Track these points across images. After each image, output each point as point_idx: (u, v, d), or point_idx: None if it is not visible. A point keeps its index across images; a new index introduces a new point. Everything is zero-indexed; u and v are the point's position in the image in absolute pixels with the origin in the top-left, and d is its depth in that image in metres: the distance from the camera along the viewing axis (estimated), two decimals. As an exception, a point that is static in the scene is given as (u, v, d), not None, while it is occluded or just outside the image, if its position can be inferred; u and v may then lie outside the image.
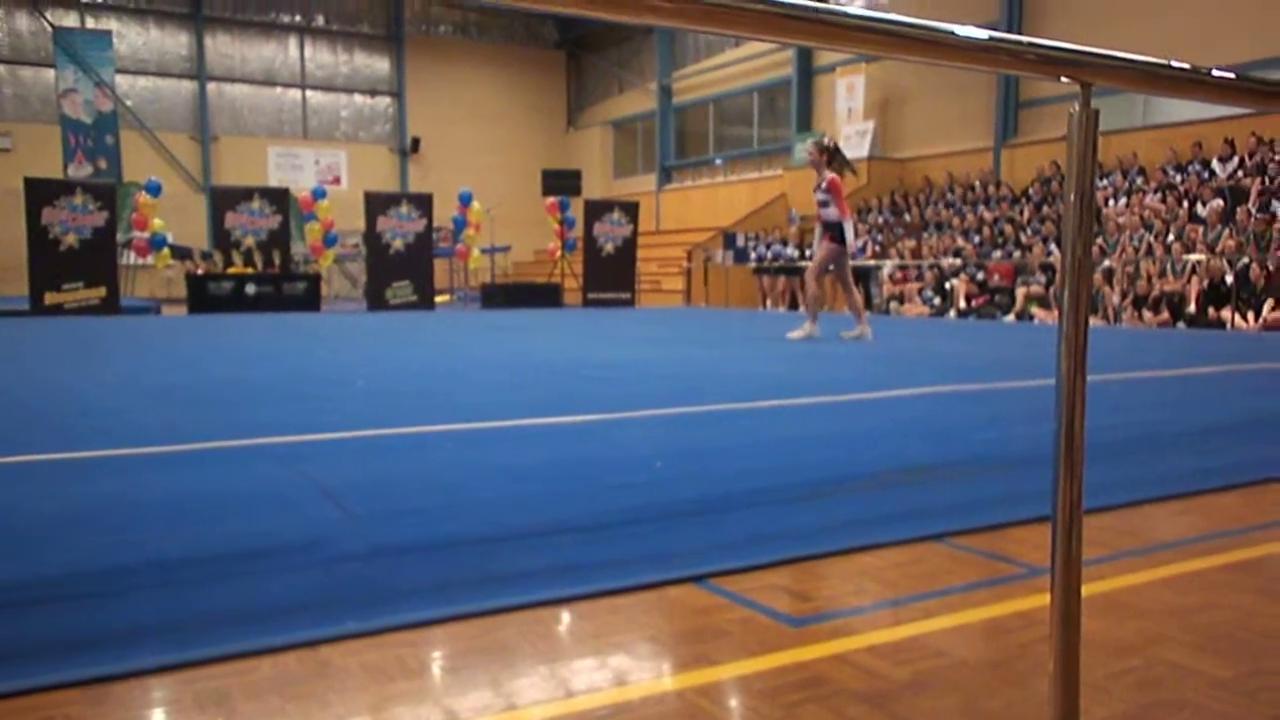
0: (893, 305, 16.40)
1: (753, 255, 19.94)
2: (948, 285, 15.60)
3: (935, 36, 1.17)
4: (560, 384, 5.51)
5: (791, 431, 3.88)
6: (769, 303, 18.86)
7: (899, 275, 16.80)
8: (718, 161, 26.85)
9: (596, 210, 19.14)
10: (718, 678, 1.70)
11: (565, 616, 2.00)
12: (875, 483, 3.01)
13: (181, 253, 18.79)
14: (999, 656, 1.80)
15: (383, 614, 1.89)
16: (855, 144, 21.03)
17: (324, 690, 1.60)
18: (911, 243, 17.10)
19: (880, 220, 19.07)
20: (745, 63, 24.61)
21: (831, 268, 9.18)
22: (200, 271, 16.24)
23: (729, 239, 21.01)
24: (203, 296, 15.62)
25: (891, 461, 3.26)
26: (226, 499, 2.57)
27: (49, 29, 24.97)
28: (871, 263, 17.23)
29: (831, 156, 8.91)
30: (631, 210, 19.41)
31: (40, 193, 14.72)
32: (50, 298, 14.71)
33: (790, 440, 3.67)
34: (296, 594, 1.96)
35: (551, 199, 19.55)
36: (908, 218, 18.59)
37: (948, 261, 15.96)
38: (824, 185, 8.88)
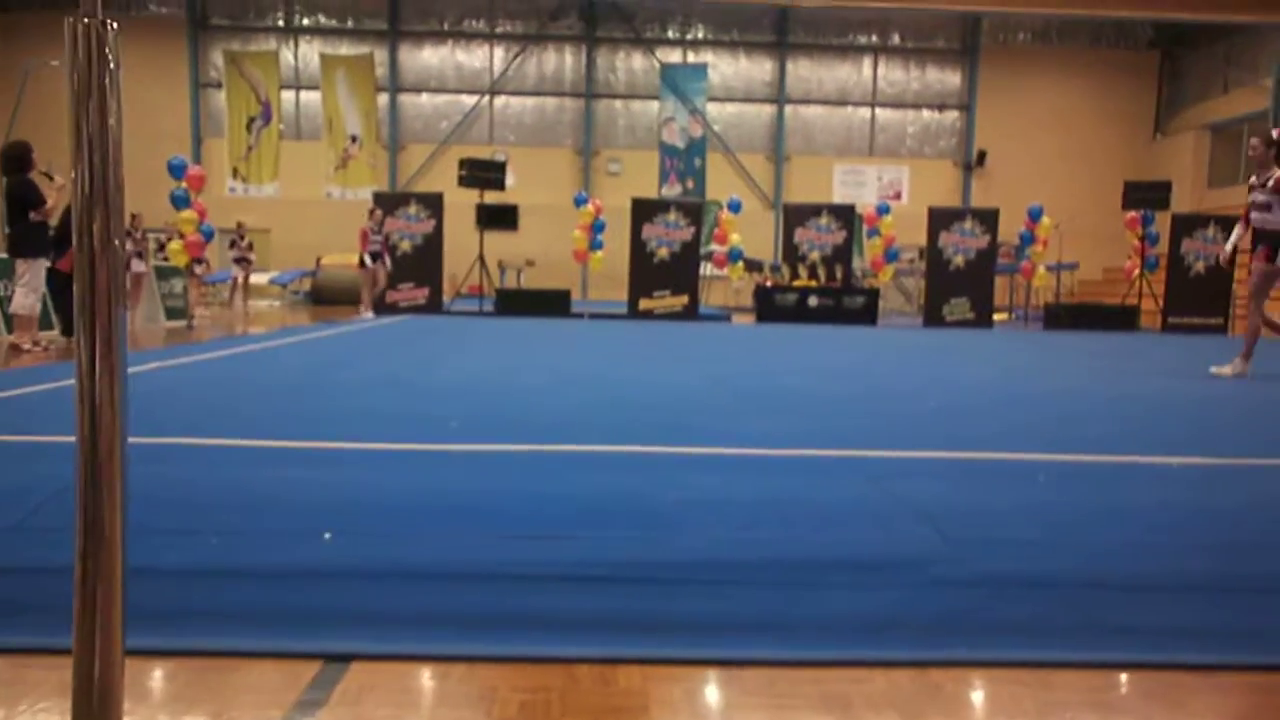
0: None
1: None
2: None
3: None
4: (1172, 418, 5.01)
5: None
6: None
7: None
8: (1347, 167, 22.63)
9: (1187, 224, 17.18)
10: None
11: (1160, 687, 1.80)
12: None
13: (753, 265, 20.30)
14: None
15: (989, 646, 1.85)
16: None
17: (937, 714, 1.60)
18: None
19: None
20: (1395, 48, 20.48)
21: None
22: (768, 283, 17.41)
23: (1358, 259, 17.61)
24: (769, 306, 16.71)
25: None
26: (821, 507, 2.69)
27: (657, 65, 28.43)
28: None
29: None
30: (1231, 225, 17.10)
31: (642, 211, 16.84)
32: (644, 303, 16.75)
33: None
34: (902, 610, 1.99)
35: (1132, 213, 17.91)
36: None
37: None
38: (1272, 183, 7.18)
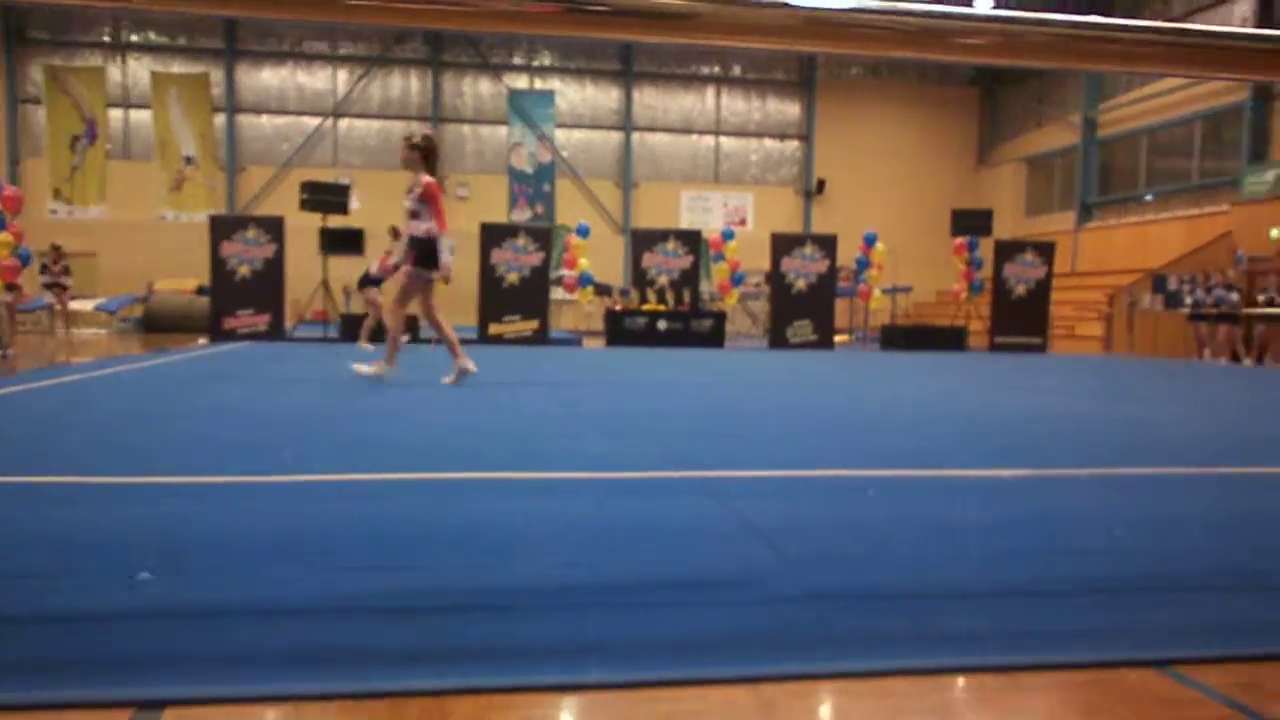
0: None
1: (1188, 300, 17.94)
2: None
3: None
4: (984, 433, 5.27)
5: (1259, 504, 3.40)
6: (1207, 353, 16.85)
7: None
8: (1148, 198, 24.54)
9: (1007, 250, 18.24)
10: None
11: (1004, 687, 1.88)
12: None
13: (602, 289, 20.43)
14: None
15: (819, 659, 1.89)
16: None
17: (769, 730, 1.62)
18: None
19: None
20: (1187, 89, 22.34)
21: (407, 297, 7.51)
22: (618, 307, 17.56)
23: (1158, 282, 19.08)
24: (619, 330, 16.85)
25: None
26: (661, 528, 2.71)
27: (504, 91, 28.37)
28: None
29: (427, 155, 7.25)
30: (1046, 250, 18.28)
31: (491, 236, 16.73)
32: (494, 328, 16.61)
33: (1262, 514, 3.22)
34: (736, 628, 2.01)
35: (960, 239, 18.91)
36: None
37: None
38: (419, 191, 7.18)
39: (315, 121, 28.27)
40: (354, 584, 2.11)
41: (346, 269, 22.25)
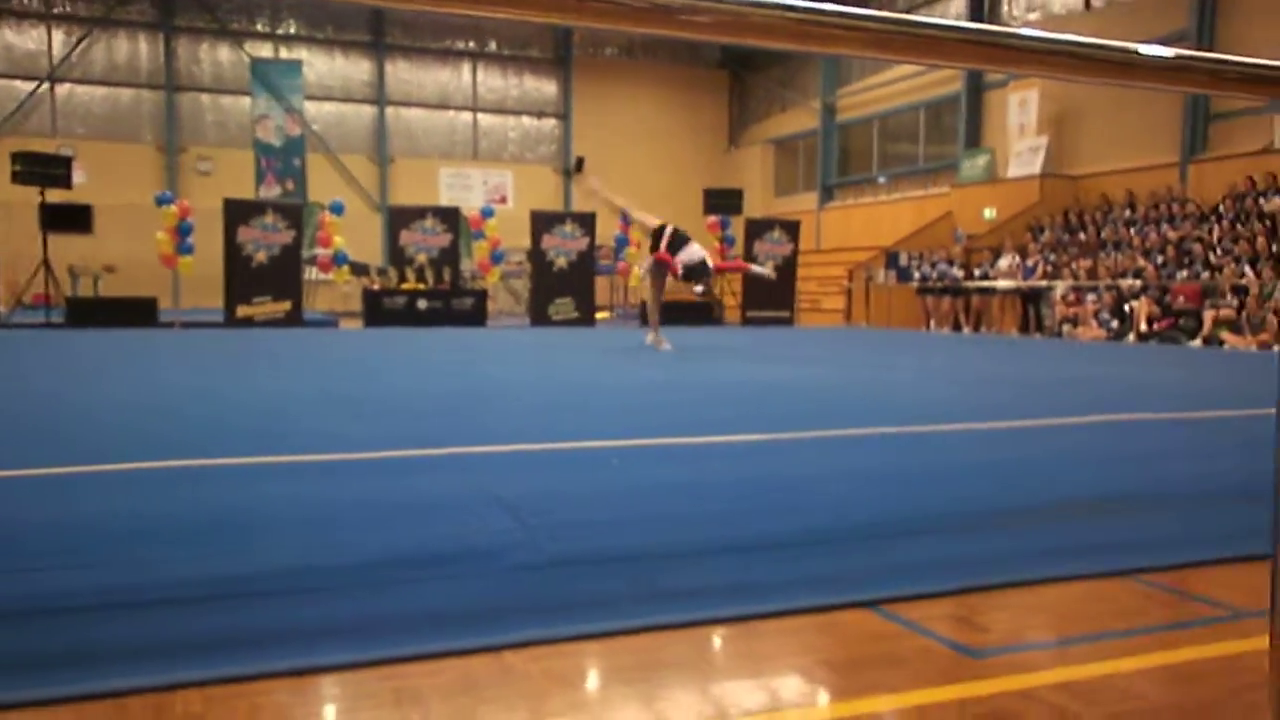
0: (1065, 328, 15.70)
1: (916, 275, 19.47)
2: (1127, 307, 14.82)
3: (1122, 57, 1.10)
4: (727, 402, 5.52)
5: (966, 458, 3.77)
6: (933, 323, 18.36)
7: (1072, 297, 16.07)
8: (881, 179, 26.37)
9: (757, 229, 19.11)
10: (892, 706, 1.67)
11: (735, 635, 2.00)
12: (1056, 513, 2.89)
13: (359, 269, 19.76)
14: (1203, 703, 1.70)
15: (558, 624, 1.94)
16: (1027, 160, 20.28)
17: (509, 695, 1.65)
18: (1087, 263, 16.35)
19: (1053, 239, 18.30)
20: (912, 79, 24.12)
21: None
22: (376, 287, 17.06)
23: (891, 258, 20.58)
24: (378, 310, 16.39)
25: (1072, 491, 3.12)
26: (410, 506, 2.68)
27: (246, 60, 26.78)
28: (1043, 284, 16.55)
29: None
30: (792, 229, 19.30)
31: (237, 213, 15.81)
32: (242, 310, 15.74)
33: (965, 467, 3.57)
34: (480, 599, 2.03)
35: (713, 218, 19.63)
36: (1082, 236, 17.78)
37: (1126, 283, 15.16)
38: None
39: (29, 86, 25.64)
40: (65, 582, 1.97)
41: (74, 247, 20.40)
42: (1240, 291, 13.31)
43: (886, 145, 26.43)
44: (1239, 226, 15.08)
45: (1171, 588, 2.36)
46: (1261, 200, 15.21)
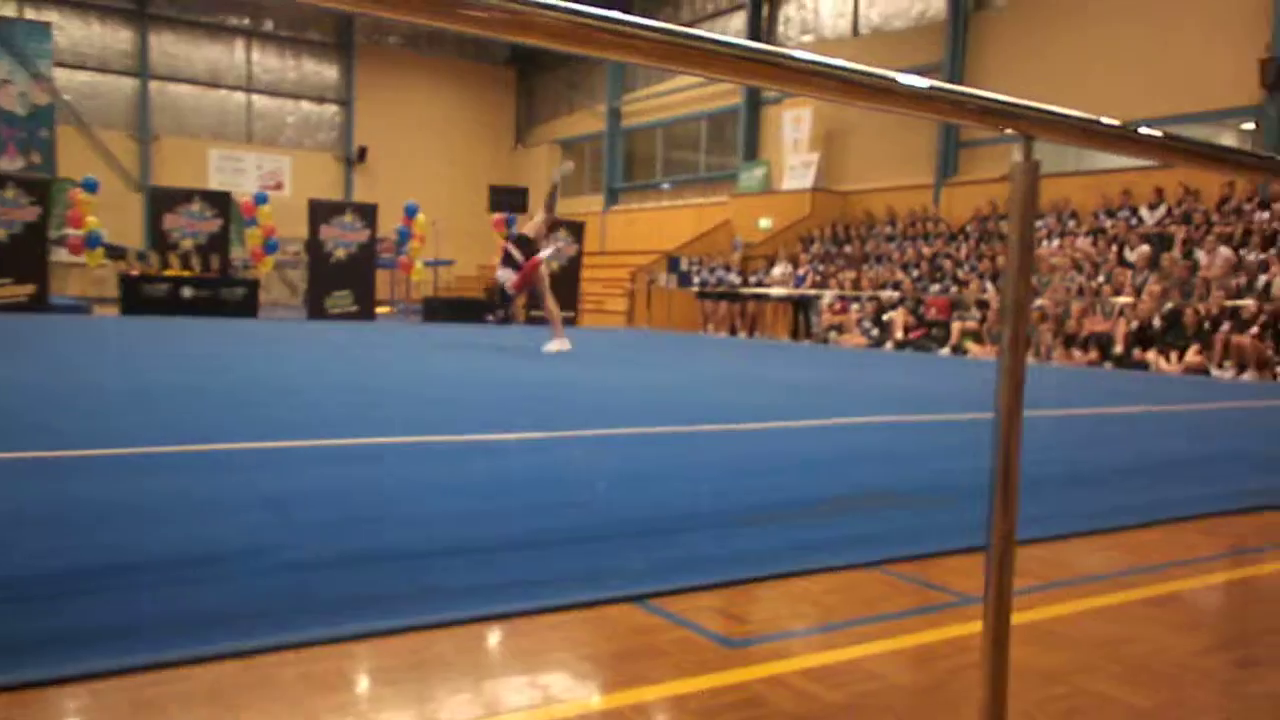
0: (831, 335, 16.64)
1: (696, 280, 20.09)
2: (885, 317, 15.88)
3: (881, 84, 1.20)
4: (503, 401, 5.51)
5: (729, 456, 3.92)
6: (710, 327, 19.00)
7: (838, 305, 17.06)
8: (664, 186, 27.04)
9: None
10: (653, 696, 1.72)
11: (503, 633, 2.01)
12: (812, 510, 3.06)
13: (116, 252, 18.34)
14: (931, 682, 1.84)
15: (319, 626, 1.88)
16: (800, 175, 21.35)
17: (261, 700, 1.59)
18: (851, 274, 17.39)
19: (822, 250, 19.36)
20: (695, 90, 24.86)
21: None
22: (135, 272, 15.91)
23: (673, 263, 21.14)
24: (137, 297, 15.29)
25: (828, 489, 3.31)
26: (165, 506, 2.53)
27: (-14, 18, 24.34)
28: (812, 292, 17.47)
29: None
30: (577, 230, 19.46)
31: (-31, 185, 14.34)
32: (-25, 292, 14.30)
33: (728, 465, 3.72)
34: (236, 602, 1.94)
35: (498, 215, 19.52)
36: (848, 249, 18.90)
37: (886, 294, 16.24)
38: None
39: None
40: None
41: None
42: (983, 305, 14.53)
43: (670, 152, 27.13)
44: (982, 245, 16.47)
45: (913, 577, 2.55)
46: (1002, 223, 16.68)
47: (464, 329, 15.00)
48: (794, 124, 21.85)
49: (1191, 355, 11.73)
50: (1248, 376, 11.17)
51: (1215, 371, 11.49)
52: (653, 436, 4.25)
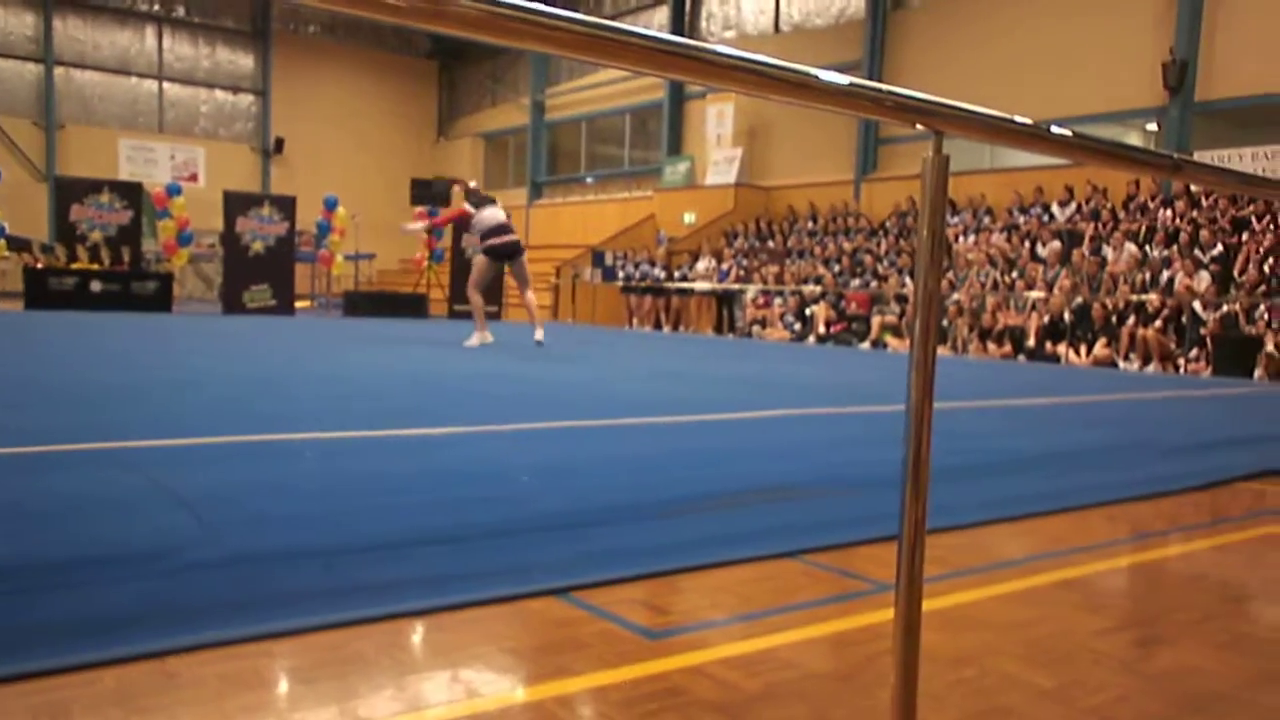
0: (755, 329, 16.80)
1: (621, 274, 20.10)
2: (808, 311, 16.09)
3: (800, 79, 1.23)
4: (425, 395, 5.45)
5: (652, 450, 3.94)
6: (635, 321, 19.04)
7: (761, 300, 17.23)
8: (589, 180, 26.99)
9: (466, 222, 18.95)
10: (576, 689, 1.73)
11: (424, 628, 2.00)
12: (733, 501, 3.10)
13: (19, 244, 17.66)
14: (845, 668, 1.88)
15: (235, 624, 1.85)
16: (723, 170, 21.50)
17: (171, 703, 1.55)
18: (775, 268, 17.57)
19: (745, 245, 19.53)
20: (619, 84, 24.85)
21: None
22: (40, 265, 15.35)
23: (598, 257, 21.12)
24: (42, 291, 14.75)
25: (749, 481, 3.35)
26: (70, 504, 2.45)
27: (-123, -2, 23.24)
28: (736, 287, 17.62)
29: None
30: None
31: None
32: None
33: (651, 458, 3.74)
34: (145, 603, 1.89)
35: (420, 208, 19.28)
36: (771, 244, 19.09)
37: (809, 288, 16.46)
38: None
39: None
40: None
41: None
42: (901, 299, 14.82)
43: (595, 146, 27.08)
44: (901, 241, 16.78)
45: (831, 566, 2.60)
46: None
47: (386, 323, 14.80)
48: (717, 119, 21.99)
49: (1100, 348, 12.12)
50: (1151, 369, 11.60)
51: (1122, 364, 11.90)
52: (575, 430, 4.26)
